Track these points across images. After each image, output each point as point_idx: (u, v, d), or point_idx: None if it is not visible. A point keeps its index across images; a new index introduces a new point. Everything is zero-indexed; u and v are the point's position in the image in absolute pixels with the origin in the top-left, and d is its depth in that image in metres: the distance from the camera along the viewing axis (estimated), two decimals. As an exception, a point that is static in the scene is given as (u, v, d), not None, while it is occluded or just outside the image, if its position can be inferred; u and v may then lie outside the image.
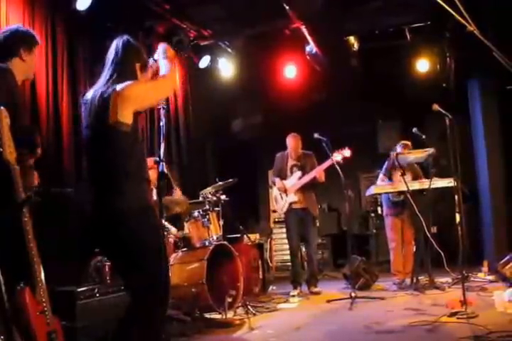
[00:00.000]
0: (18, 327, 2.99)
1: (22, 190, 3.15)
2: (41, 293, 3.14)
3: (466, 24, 3.27)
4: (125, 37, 3.47)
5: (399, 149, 7.92)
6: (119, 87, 3.22)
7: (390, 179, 7.87)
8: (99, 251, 5.72)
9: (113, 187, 3.22)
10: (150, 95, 3.41)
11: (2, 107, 3.08)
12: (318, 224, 8.50)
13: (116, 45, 3.44)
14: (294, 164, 8.10)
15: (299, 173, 7.97)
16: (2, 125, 3.06)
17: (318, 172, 7.79)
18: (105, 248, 3.45)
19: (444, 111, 6.03)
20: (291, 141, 8.09)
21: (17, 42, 3.58)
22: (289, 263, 8.76)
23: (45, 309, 3.15)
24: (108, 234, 3.24)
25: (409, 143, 8.00)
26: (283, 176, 8.10)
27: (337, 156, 7.58)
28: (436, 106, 6.11)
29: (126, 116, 3.21)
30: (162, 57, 3.59)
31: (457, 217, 5.85)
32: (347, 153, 7.72)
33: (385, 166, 8.07)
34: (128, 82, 3.25)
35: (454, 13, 3.25)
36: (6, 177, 3.11)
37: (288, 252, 8.44)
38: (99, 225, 3.27)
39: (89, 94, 3.36)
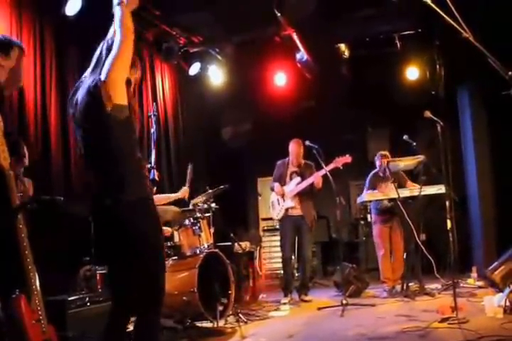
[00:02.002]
0: (14, 336, 2.99)
1: (16, 196, 3.14)
2: (36, 301, 3.11)
3: (461, 30, 3.26)
4: (109, 39, 3.43)
5: (377, 161, 7.99)
6: (102, 76, 3.22)
7: (375, 189, 7.88)
8: (92, 259, 5.71)
9: (115, 180, 3.22)
10: (125, 61, 3.31)
11: None
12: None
13: (100, 47, 3.43)
14: (293, 171, 8.12)
15: (298, 179, 7.98)
16: None
17: (317, 177, 7.77)
18: (106, 247, 3.38)
19: (435, 118, 6.04)
20: (294, 147, 8.08)
21: None
22: (279, 272, 8.75)
23: (41, 317, 3.12)
24: (109, 229, 3.24)
25: (387, 153, 8.06)
26: (282, 183, 8.11)
27: (338, 162, 7.66)
28: (428, 113, 6.13)
29: (120, 96, 3.22)
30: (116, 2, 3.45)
31: (448, 223, 5.85)
32: (348, 159, 7.77)
33: (368, 179, 8.10)
34: (107, 65, 3.24)
35: (448, 19, 3.25)
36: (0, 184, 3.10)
37: (278, 260, 8.43)
38: (99, 222, 3.28)
39: (78, 93, 3.36)
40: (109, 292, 3.48)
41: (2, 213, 3.15)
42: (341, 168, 7.67)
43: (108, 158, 3.26)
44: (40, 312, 3.13)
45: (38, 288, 3.15)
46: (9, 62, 3.56)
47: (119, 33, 3.31)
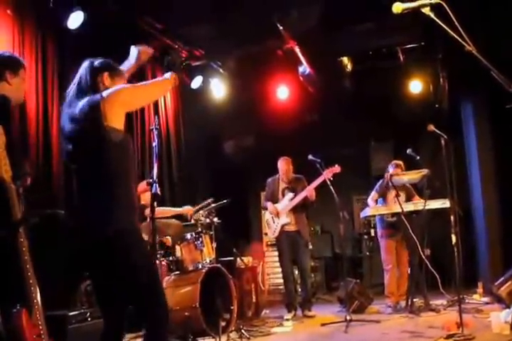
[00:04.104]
0: None
1: (18, 210, 3.10)
2: (37, 315, 3.08)
3: (465, 44, 3.21)
4: (87, 61, 3.47)
5: (391, 169, 7.87)
6: (105, 93, 3.21)
7: (384, 198, 7.82)
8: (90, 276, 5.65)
9: (101, 207, 3.17)
10: (138, 97, 3.45)
11: None
12: (310, 247, 8.43)
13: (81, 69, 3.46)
14: (285, 187, 8.10)
15: (290, 195, 7.95)
16: None
17: (309, 191, 7.77)
18: (97, 273, 3.37)
19: (439, 132, 5.98)
20: (282, 165, 8.10)
21: (1, 66, 3.57)
22: (282, 287, 8.70)
23: (42, 332, 3.09)
24: (99, 257, 3.21)
25: (401, 162, 7.96)
26: (275, 200, 8.10)
27: (327, 174, 7.57)
28: (431, 127, 6.07)
29: (116, 121, 3.20)
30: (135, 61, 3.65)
31: (453, 238, 5.76)
32: (337, 169, 7.71)
33: (379, 184, 8.01)
34: (115, 87, 3.27)
35: (451, 32, 3.20)
36: (1, 197, 3.06)
37: (280, 275, 8.37)
38: (89, 248, 3.24)
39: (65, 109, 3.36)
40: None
41: (3, 226, 3.11)
42: (331, 178, 7.57)
43: (95, 180, 3.22)
44: (41, 327, 3.09)
45: (39, 302, 3.12)
46: (17, 80, 3.59)
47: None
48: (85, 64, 3.45)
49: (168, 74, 3.56)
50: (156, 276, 3.40)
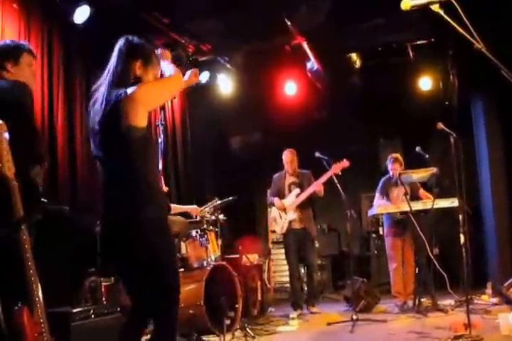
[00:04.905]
0: None
1: (21, 207, 3.09)
2: (39, 313, 3.07)
3: (474, 42, 3.14)
4: (123, 39, 3.40)
5: (390, 165, 7.81)
6: (129, 90, 3.16)
7: (387, 196, 7.74)
8: (98, 271, 5.62)
9: (133, 196, 3.19)
10: (160, 95, 3.44)
11: (1, 121, 3.03)
12: (317, 245, 8.38)
13: (115, 50, 3.38)
14: (291, 182, 8.08)
15: (297, 190, 7.94)
16: (1, 139, 3.00)
17: (318, 186, 7.74)
18: (119, 262, 3.35)
19: (448, 130, 5.88)
20: (287, 156, 8.09)
21: (0, 55, 3.59)
22: (288, 285, 8.66)
23: (43, 330, 3.09)
24: (124, 244, 3.20)
25: (398, 155, 7.90)
26: (281, 196, 8.07)
27: (336, 168, 7.52)
28: (440, 125, 5.97)
29: (139, 120, 3.18)
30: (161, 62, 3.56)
31: (461, 237, 5.66)
32: (346, 164, 7.66)
33: (380, 184, 7.95)
34: (137, 85, 3.22)
35: (461, 30, 3.12)
36: (4, 194, 3.06)
37: (286, 273, 8.34)
38: (113, 238, 3.23)
39: (95, 100, 3.32)
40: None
41: (6, 224, 3.10)
42: (340, 174, 7.52)
43: (121, 175, 3.24)
44: (42, 325, 3.09)
45: (41, 299, 3.11)
46: (19, 68, 3.58)
47: (169, 71, 3.45)
48: (120, 44, 3.38)
49: (188, 75, 3.59)
50: (177, 272, 3.42)
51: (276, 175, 8.25)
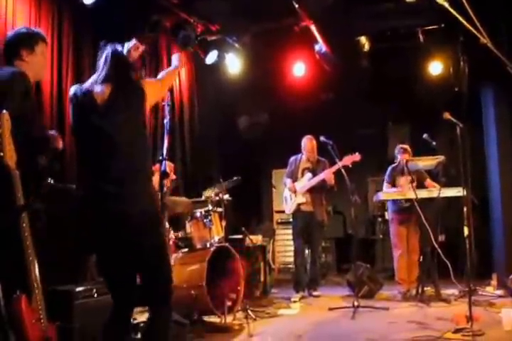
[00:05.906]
0: (14, 335, 3.02)
1: (21, 195, 3.16)
2: (37, 300, 3.16)
3: (480, 36, 3.10)
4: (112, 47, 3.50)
5: (399, 156, 7.77)
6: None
7: (394, 185, 7.72)
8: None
9: (139, 186, 3.30)
10: (158, 93, 3.68)
11: (4, 111, 3.06)
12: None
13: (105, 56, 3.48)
14: (305, 167, 8.11)
15: (309, 175, 7.99)
16: (3, 129, 3.06)
17: (327, 174, 7.74)
18: (123, 254, 3.36)
19: (454, 120, 5.80)
20: (307, 144, 8.08)
21: (16, 43, 3.58)
22: (292, 266, 8.69)
23: (41, 317, 3.18)
24: (126, 233, 3.26)
25: (407, 147, 7.86)
26: (294, 179, 8.15)
27: (346, 161, 7.54)
28: (447, 115, 5.87)
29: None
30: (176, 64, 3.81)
31: (465, 230, 5.59)
32: (357, 157, 7.68)
33: (388, 173, 7.92)
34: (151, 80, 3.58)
35: (467, 24, 3.08)
36: (5, 182, 3.12)
37: (291, 254, 8.41)
38: (113, 228, 3.26)
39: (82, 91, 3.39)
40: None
41: (7, 212, 3.17)
42: (350, 166, 7.52)
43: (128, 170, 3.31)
44: (40, 312, 3.17)
45: (40, 287, 3.19)
46: (34, 56, 3.58)
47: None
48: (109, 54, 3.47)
49: (176, 61, 3.77)
50: (168, 253, 3.59)
51: (292, 158, 8.29)
